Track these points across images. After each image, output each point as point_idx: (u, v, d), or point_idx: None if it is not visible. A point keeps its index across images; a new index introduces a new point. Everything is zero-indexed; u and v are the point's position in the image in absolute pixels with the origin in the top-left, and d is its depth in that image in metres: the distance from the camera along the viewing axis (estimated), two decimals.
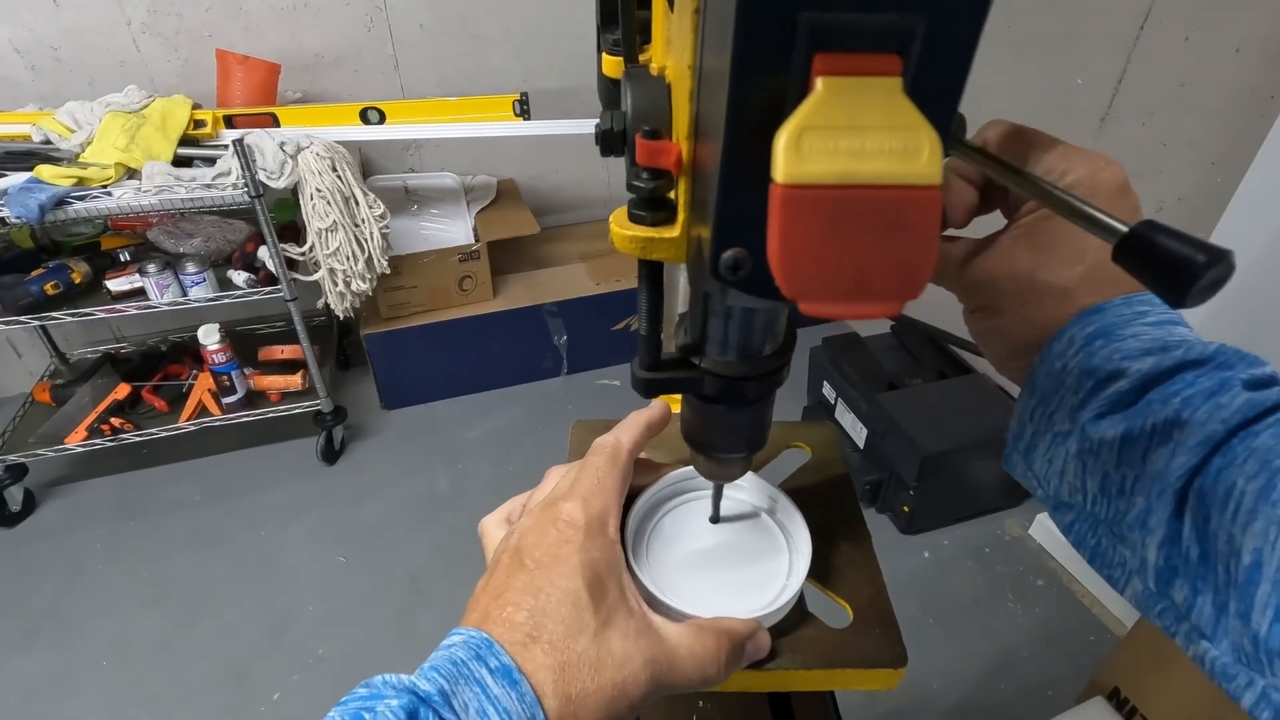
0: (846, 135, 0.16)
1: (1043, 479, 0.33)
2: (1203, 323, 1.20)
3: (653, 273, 0.30)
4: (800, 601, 0.38)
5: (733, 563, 0.38)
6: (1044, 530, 1.63)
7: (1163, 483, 0.27)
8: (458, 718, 0.27)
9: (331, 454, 1.90)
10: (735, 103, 0.18)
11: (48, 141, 1.49)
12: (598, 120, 0.30)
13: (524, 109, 1.76)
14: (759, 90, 0.18)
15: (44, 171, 1.39)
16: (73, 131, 1.49)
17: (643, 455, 0.41)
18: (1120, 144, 1.40)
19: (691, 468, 0.42)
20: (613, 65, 0.39)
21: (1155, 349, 0.29)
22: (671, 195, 0.28)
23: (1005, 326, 0.34)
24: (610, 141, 0.30)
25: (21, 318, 1.53)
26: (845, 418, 1.77)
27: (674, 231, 0.26)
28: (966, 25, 0.16)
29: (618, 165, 2.27)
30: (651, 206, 0.26)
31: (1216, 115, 1.23)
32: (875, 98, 0.16)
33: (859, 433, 1.72)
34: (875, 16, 0.16)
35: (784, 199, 0.16)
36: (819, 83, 0.16)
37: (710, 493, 0.42)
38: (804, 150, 0.16)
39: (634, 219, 0.26)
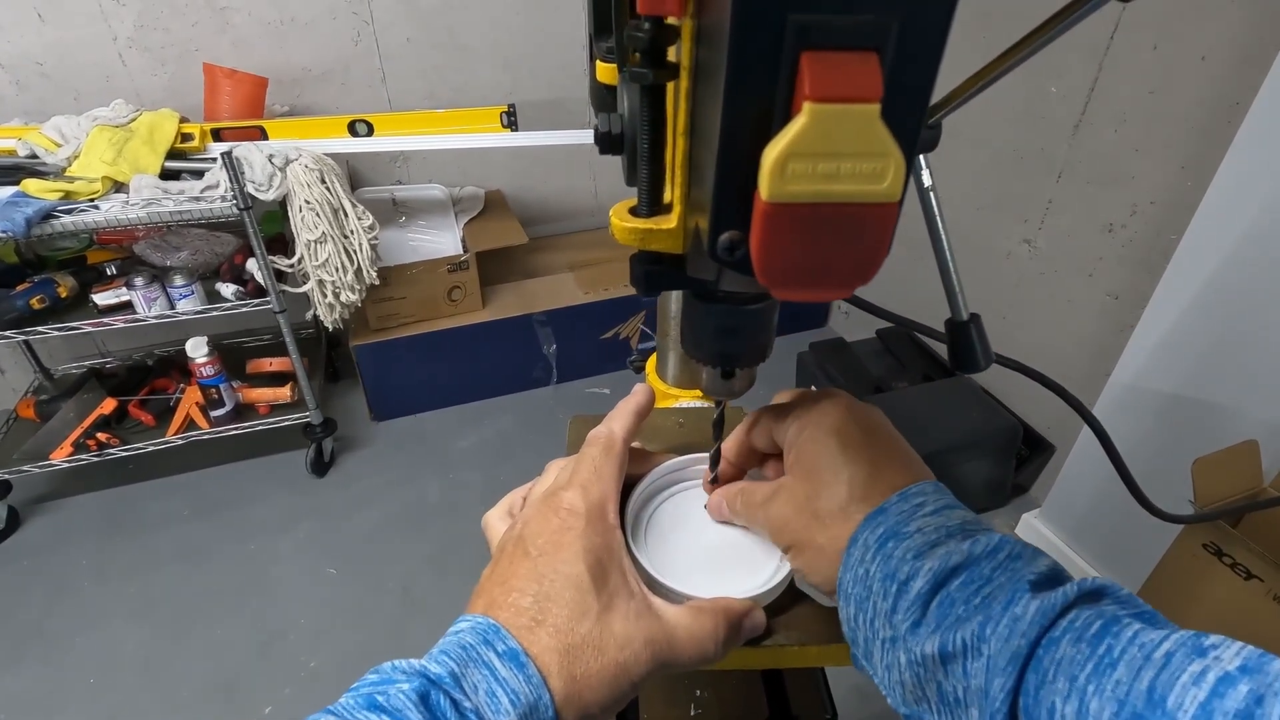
0: (825, 161, 0.19)
1: (889, 686, 0.31)
2: (1177, 323, 1.24)
3: (654, 97, 0.27)
4: (792, 584, 0.39)
5: (728, 547, 0.40)
6: (1030, 530, 1.66)
7: (991, 704, 0.27)
8: (468, 698, 0.28)
9: (321, 466, 1.89)
10: (730, 100, 0.20)
11: (34, 155, 1.49)
12: (595, 122, 0.32)
13: (511, 120, 1.78)
14: (752, 89, 0.19)
15: (30, 185, 1.39)
16: (59, 146, 1.49)
17: (636, 445, 0.42)
18: (1094, 150, 1.45)
19: (685, 458, 0.43)
20: (607, 72, 0.40)
21: (940, 537, 0.31)
22: (667, 196, 0.30)
23: (811, 561, 0.34)
24: (610, 143, 0.32)
25: (6, 332, 1.52)
26: None
27: (671, 223, 0.28)
28: (935, 23, 0.18)
29: (605, 175, 2.29)
30: (653, 61, 0.25)
31: (1185, 121, 1.27)
32: (854, 126, 0.18)
33: None
34: (854, 17, 0.18)
35: (766, 213, 0.19)
36: (805, 109, 0.18)
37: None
38: (787, 174, 0.19)
39: (635, 77, 0.26)
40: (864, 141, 0.18)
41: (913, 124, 0.19)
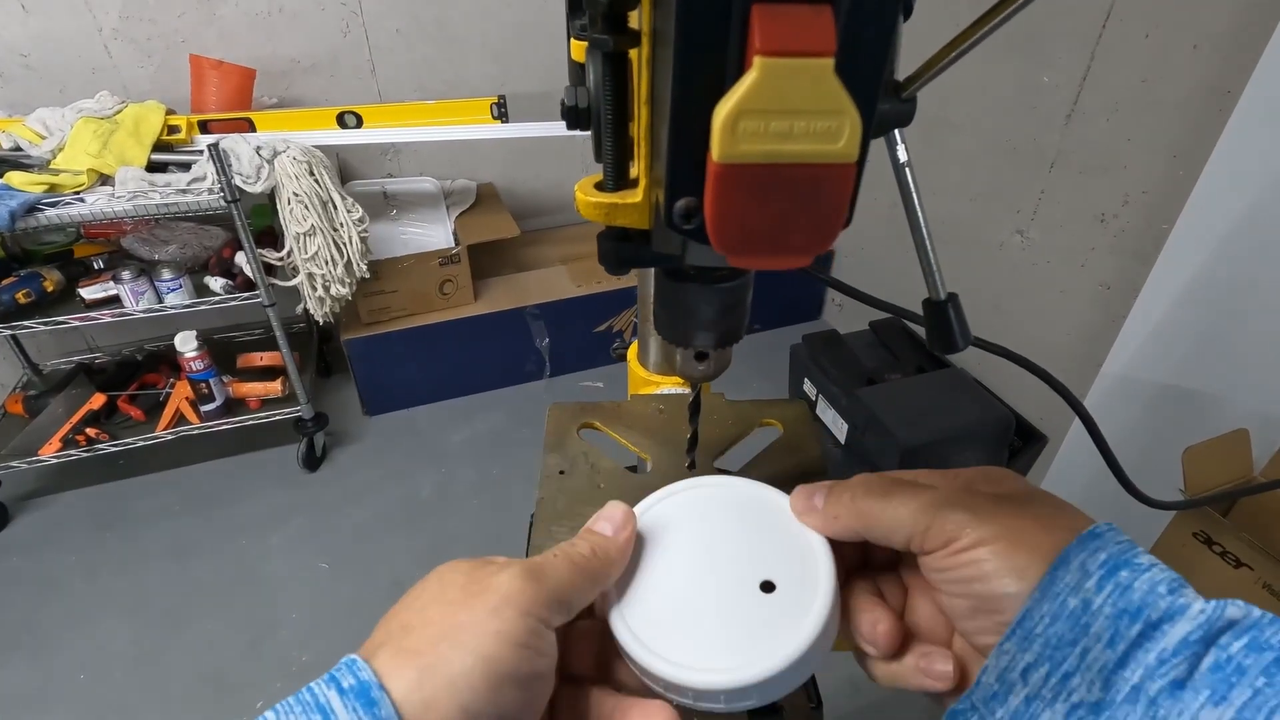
0: (777, 118, 0.18)
1: None
2: (1169, 312, 1.23)
3: (616, 65, 0.26)
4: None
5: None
6: None
7: None
8: None
9: (313, 461, 1.89)
10: (682, 57, 0.19)
11: (18, 148, 1.47)
12: (563, 96, 0.31)
13: (502, 112, 1.76)
14: (703, 45, 0.19)
15: (14, 178, 1.38)
16: (43, 138, 1.48)
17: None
18: (1086, 140, 1.44)
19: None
20: (580, 50, 0.40)
21: (1181, 583, 0.23)
22: (633, 171, 0.29)
23: (987, 563, 0.26)
24: (577, 117, 0.31)
25: None
26: (826, 414, 1.79)
27: (636, 197, 0.27)
28: None
29: (597, 168, 2.28)
30: (614, 26, 0.25)
31: (1177, 110, 1.27)
32: (807, 81, 0.17)
33: (840, 428, 1.74)
34: None
35: (718, 175, 0.19)
36: (756, 63, 0.17)
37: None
38: (738, 133, 0.18)
39: (597, 44, 0.25)
40: (818, 98, 0.17)
41: (870, 81, 0.18)
